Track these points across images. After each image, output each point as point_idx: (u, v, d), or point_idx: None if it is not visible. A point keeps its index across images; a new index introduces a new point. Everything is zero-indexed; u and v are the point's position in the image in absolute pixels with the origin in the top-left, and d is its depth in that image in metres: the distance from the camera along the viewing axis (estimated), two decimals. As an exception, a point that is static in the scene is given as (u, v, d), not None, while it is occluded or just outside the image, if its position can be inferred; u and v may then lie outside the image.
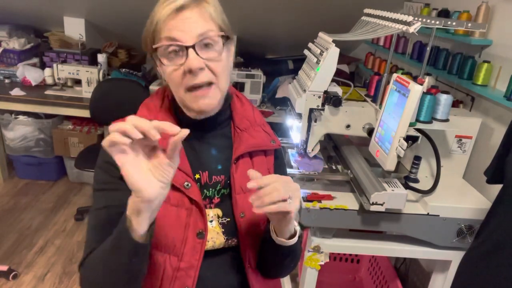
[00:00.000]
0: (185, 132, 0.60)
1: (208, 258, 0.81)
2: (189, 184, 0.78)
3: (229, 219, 0.83)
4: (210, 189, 0.83)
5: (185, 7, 0.73)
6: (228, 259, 0.85)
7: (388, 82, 1.39)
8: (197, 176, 0.82)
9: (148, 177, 0.61)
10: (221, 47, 0.77)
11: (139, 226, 0.64)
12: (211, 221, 0.82)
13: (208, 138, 0.85)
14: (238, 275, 0.86)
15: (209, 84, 0.76)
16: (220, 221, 0.83)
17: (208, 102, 0.77)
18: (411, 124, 1.26)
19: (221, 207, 0.83)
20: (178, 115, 0.83)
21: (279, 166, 0.95)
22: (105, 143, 0.57)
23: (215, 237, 0.81)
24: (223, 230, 0.82)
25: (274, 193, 0.69)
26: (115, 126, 0.57)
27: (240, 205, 0.82)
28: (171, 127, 0.59)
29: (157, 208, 0.65)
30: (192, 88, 0.75)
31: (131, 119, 0.58)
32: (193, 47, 0.73)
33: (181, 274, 0.77)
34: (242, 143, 0.85)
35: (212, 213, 0.82)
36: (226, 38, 0.78)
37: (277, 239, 0.81)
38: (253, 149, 0.86)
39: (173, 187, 0.76)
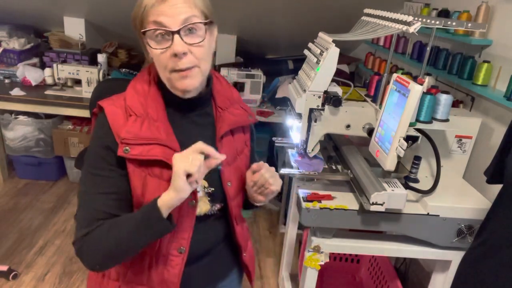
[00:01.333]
0: (223, 157, 0.83)
1: (197, 222, 0.92)
2: None
3: (213, 189, 0.94)
4: None
5: None
6: (214, 221, 0.98)
7: (388, 82, 1.39)
8: None
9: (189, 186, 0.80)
10: (204, 33, 0.84)
11: (165, 214, 0.80)
12: (198, 191, 0.92)
13: (193, 117, 0.94)
14: (222, 231, 1.01)
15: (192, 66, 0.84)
16: (206, 190, 0.94)
17: (190, 82, 0.85)
18: (411, 124, 1.26)
19: (206, 178, 0.91)
20: (165, 96, 0.90)
21: (253, 140, 1.10)
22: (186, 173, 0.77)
23: (202, 204, 0.93)
24: (208, 198, 0.94)
25: (266, 184, 0.93)
26: (197, 165, 0.77)
27: (227, 176, 0.95)
28: (215, 154, 0.81)
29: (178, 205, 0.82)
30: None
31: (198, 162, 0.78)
32: (178, 32, 0.80)
33: (177, 237, 0.90)
34: (224, 122, 0.95)
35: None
36: (209, 23, 0.85)
37: (255, 204, 1.02)
38: (234, 127, 0.98)
39: (166, 165, 0.85)
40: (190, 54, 0.82)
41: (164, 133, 0.85)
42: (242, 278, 1.16)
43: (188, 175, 0.78)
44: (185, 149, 0.88)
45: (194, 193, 0.88)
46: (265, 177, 0.93)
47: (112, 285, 0.94)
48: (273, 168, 0.96)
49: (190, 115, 0.93)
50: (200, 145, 0.80)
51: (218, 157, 0.82)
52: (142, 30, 0.81)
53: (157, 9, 0.78)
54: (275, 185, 0.94)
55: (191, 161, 0.77)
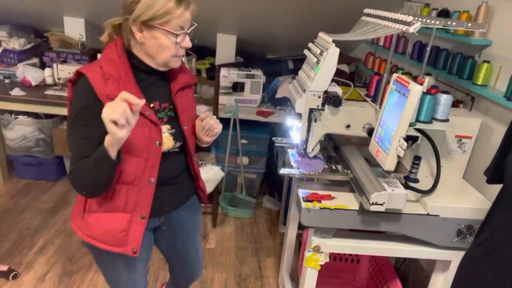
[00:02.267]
0: (143, 102, 1.00)
1: (164, 157, 1.24)
2: (149, 112, 1.17)
3: (175, 130, 1.26)
4: (161, 112, 1.25)
5: (190, 4, 1.14)
6: (176, 156, 1.30)
7: (388, 82, 1.39)
8: (152, 105, 1.22)
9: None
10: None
11: (112, 153, 1.05)
12: (164, 133, 1.24)
13: (155, 80, 1.24)
14: (183, 164, 1.35)
15: None
16: (169, 132, 1.25)
17: (180, 62, 1.24)
18: (411, 124, 1.26)
19: (169, 123, 1.26)
20: (133, 64, 1.18)
21: (193, 95, 1.43)
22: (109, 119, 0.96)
23: (167, 142, 1.24)
24: (172, 137, 1.26)
25: (211, 128, 1.30)
26: (119, 113, 0.95)
27: (183, 121, 1.28)
28: (135, 100, 0.98)
29: (122, 143, 1.05)
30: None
31: (123, 108, 0.96)
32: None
33: (148, 170, 1.20)
34: (177, 82, 1.29)
35: (164, 128, 1.25)
36: None
37: (202, 146, 1.40)
38: (184, 85, 1.31)
39: (140, 114, 1.08)
40: None
41: (134, 91, 1.12)
42: (199, 200, 1.52)
43: (115, 122, 0.96)
44: (151, 102, 1.21)
45: (160, 136, 1.20)
46: (210, 123, 1.29)
47: (92, 217, 1.22)
48: (214, 116, 1.32)
49: (153, 79, 1.23)
50: (123, 94, 0.98)
51: (137, 102, 0.99)
52: (171, 30, 1.11)
53: (183, 17, 1.12)
54: (218, 128, 1.31)
55: (114, 110, 0.95)
